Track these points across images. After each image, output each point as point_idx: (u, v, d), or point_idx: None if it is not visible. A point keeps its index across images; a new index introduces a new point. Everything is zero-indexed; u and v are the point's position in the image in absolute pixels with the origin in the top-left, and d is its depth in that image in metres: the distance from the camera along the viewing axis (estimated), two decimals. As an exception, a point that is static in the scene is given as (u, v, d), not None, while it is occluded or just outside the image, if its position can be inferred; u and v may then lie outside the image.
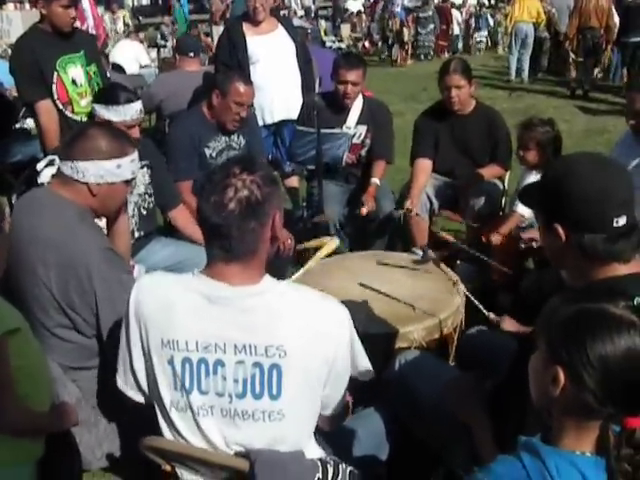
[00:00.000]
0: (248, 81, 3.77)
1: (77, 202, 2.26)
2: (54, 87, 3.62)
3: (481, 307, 2.59)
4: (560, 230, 1.60)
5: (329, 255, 2.99)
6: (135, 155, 2.35)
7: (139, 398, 1.79)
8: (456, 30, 18.81)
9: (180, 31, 15.23)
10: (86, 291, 2.18)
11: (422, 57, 17.62)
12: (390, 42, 17.54)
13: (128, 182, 2.37)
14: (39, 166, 2.97)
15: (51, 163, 2.91)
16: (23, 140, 5.87)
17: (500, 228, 3.62)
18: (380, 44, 19.08)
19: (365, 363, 1.83)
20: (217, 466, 1.63)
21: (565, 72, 11.61)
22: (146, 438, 1.70)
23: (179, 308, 1.64)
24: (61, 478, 1.98)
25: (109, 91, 3.23)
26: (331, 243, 2.91)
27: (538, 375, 1.25)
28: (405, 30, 17.07)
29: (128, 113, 3.12)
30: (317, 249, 3.32)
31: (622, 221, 1.56)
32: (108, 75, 4.10)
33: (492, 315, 2.43)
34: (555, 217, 1.62)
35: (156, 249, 3.34)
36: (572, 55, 10.94)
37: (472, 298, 2.76)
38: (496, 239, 3.58)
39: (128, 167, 2.30)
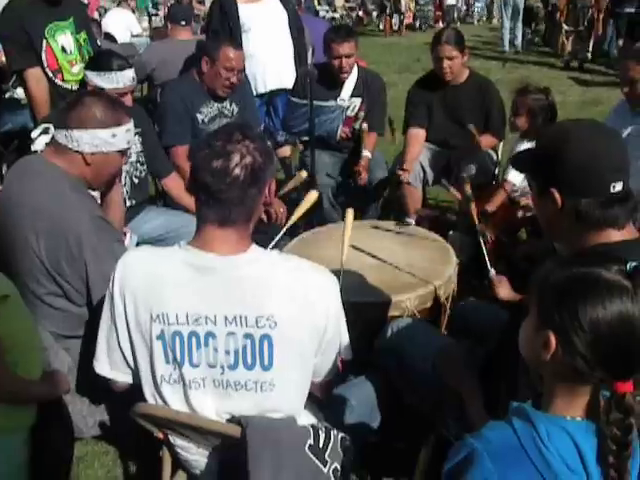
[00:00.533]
0: (237, 46, 3.73)
1: (70, 171, 2.24)
2: (43, 55, 3.56)
3: (487, 261, 2.55)
4: (557, 195, 1.59)
5: (312, 208, 2.95)
6: (130, 125, 2.33)
7: (124, 379, 1.77)
8: (451, 0, 18.64)
9: (172, -1, 14.98)
10: (76, 260, 2.17)
11: (422, 27, 17.49)
12: (388, 12, 17.36)
13: (123, 152, 2.35)
14: (34, 134, 2.94)
15: (45, 131, 2.88)
16: (13, 109, 5.78)
17: (493, 199, 3.61)
18: (375, 14, 18.89)
19: (345, 339, 1.81)
20: (208, 432, 1.63)
21: (560, 43, 11.53)
22: (137, 405, 1.69)
23: (168, 281, 1.62)
24: (53, 445, 1.98)
25: (101, 58, 3.18)
26: (310, 196, 2.85)
27: (529, 339, 1.24)
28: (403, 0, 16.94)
29: (120, 80, 3.07)
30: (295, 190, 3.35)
31: (619, 186, 1.56)
32: (99, 43, 4.01)
33: (493, 272, 2.41)
34: (551, 182, 1.60)
35: (148, 218, 3.32)
36: (565, 26, 10.86)
37: (484, 249, 2.70)
38: (489, 208, 3.58)
39: (123, 137, 2.28)
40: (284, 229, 2.85)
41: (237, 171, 1.54)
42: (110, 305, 1.70)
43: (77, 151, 2.22)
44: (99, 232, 2.19)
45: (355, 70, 4.13)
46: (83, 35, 3.75)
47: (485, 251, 2.59)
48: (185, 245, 1.65)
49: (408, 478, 2.09)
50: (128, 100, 3.10)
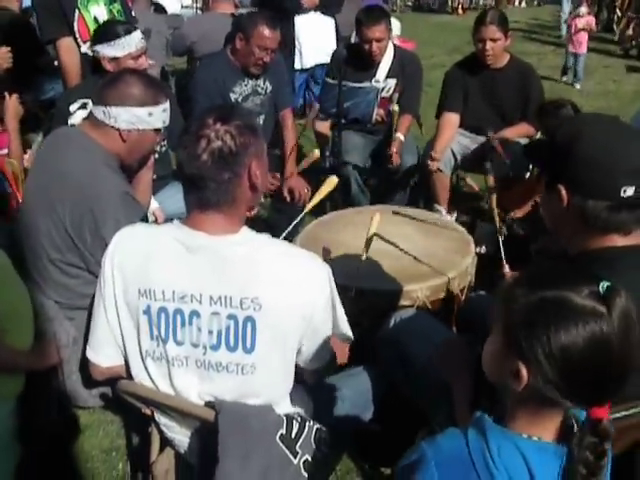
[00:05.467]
0: (273, 25, 3.66)
1: (105, 146, 2.28)
2: (76, 25, 3.55)
3: (503, 255, 2.50)
4: (563, 192, 1.52)
5: (331, 193, 2.92)
6: (167, 105, 2.36)
7: (113, 362, 1.77)
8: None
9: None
10: (100, 231, 2.19)
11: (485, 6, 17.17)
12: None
13: (158, 131, 2.38)
14: (72, 108, 2.96)
15: (84, 106, 2.91)
16: (56, 77, 5.86)
17: (524, 199, 3.50)
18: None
19: (344, 328, 1.80)
20: (185, 414, 1.63)
21: (620, 30, 11.15)
22: (120, 382, 1.70)
23: (157, 257, 1.63)
24: (40, 415, 2.01)
25: (106, 28, 3.15)
26: (329, 182, 2.81)
27: (496, 362, 1.18)
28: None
29: (132, 43, 3.05)
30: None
31: (630, 191, 1.47)
32: (133, 13, 4.00)
33: (507, 268, 2.35)
34: (560, 178, 1.53)
35: (171, 193, 3.32)
36: (619, 13, 10.54)
37: (501, 244, 2.66)
38: (516, 216, 3.50)
39: (159, 116, 2.32)
40: (302, 214, 2.83)
41: (205, 156, 1.54)
42: (101, 280, 1.72)
43: (114, 127, 2.25)
44: (125, 208, 2.20)
45: (391, 50, 4.05)
46: (117, 6, 3.73)
47: (502, 246, 2.53)
48: (179, 223, 1.66)
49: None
50: (143, 62, 3.09)
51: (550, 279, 1.13)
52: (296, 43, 5.81)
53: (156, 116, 2.30)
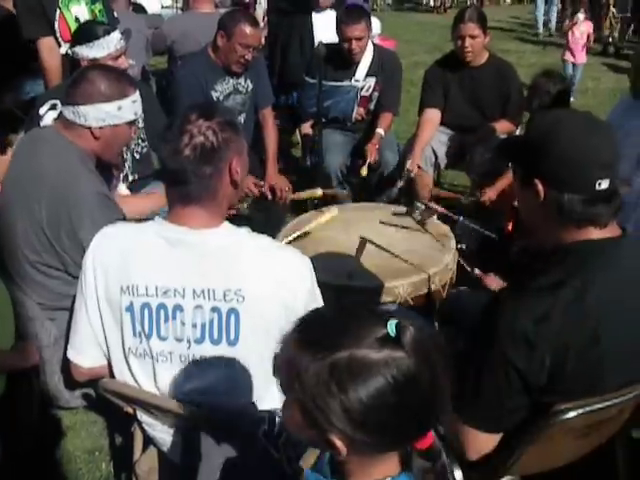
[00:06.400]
0: (254, 23, 3.67)
1: (80, 145, 2.27)
2: (57, 25, 3.55)
3: (464, 264, 2.56)
4: (540, 186, 1.54)
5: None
6: (136, 96, 2.34)
7: (95, 362, 1.77)
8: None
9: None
10: (76, 232, 2.18)
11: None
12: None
13: (132, 123, 2.36)
14: (42, 110, 2.95)
15: (53, 107, 2.90)
16: (36, 78, 5.82)
17: (497, 183, 3.54)
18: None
19: None
20: (168, 412, 1.63)
21: (600, 28, 11.22)
22: (102, 381, 1.71)
23: (139, 253, 1.64)
24: (21, 416, 2.01)
25: (85, 30, 3.15)
26: (331, 212, 2.98)
27: (302, 431, 1.05)
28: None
29: (111, 44, 3.05)
30: (309, 200, 3.27)
31: (605, 184, 1.50)
32: (115, 14, 3.99)
33: (477, 271, 2.38)
34: (535, 172, 1.55)
35: (154, 192, 3.31)
36: (613, 10, 10.51)
37: (460, 259, 2.72)
38: (489, 196, 3.51)
39: (130, 108, 2.30)
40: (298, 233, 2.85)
41: (187, 151, 1.57)
42: (82, 280, 1.72)
43: (84, 126, 2.24)
44: (101, 208, 2.19)
45: (370, 49, 4.07)
46: (98, 6, 3.72)
47: (461, 259, 2.60)
48: (159, 219, 1.68)
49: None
50: (122, 62, 3.08)
51: (335, 337, 1.01)
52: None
53: (126, 109, 2.28)
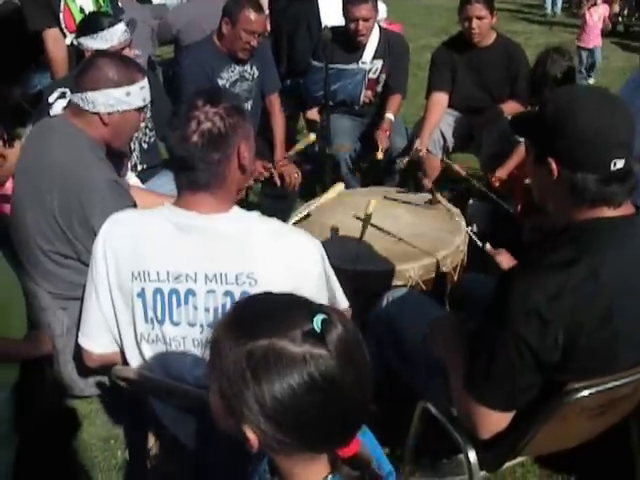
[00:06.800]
0: (259, 8, 3.64)
1: (90, 133, 2.27)
2: (62, 16, 3.55)
3: (476, 239, 2.54)
4: (553, 165, 1.52)
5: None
6: (144, 82, 2.33)
7: (105, 348, 1.77)
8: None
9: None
10: (88, 220, 2.18)
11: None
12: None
13: (141, 109, 2.36)
14: (51, 99, 2.95)
15: (62, 96, 2.90)
16: (44, 71, 5.82)
17: (506, 163, 3.52)
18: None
19: (342, 301, 1.82)
20: (180, 397, 1.64)
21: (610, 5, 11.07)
22: (114, 368, 1.71)
23: (150, 239, 1.65)
24: (35, 404, 2.02)
25: (90, 21, 3.16)
26: (335, 187, 2.97)
27: (223, 419, 1.02)
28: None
29: (115, 37, 3.06)
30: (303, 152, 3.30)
31: (620, 164, 1.47)
32: (120, 4, 3.98)
33: (488, 246, 2.36)
34: (550, 151, 1.53)
35: (160, 183, 3.31)
36: None
37: (469, 232, 2.71)
38: (499, 176, 3.49)
39: (138, 94, 2.29)
40: (304, 210, 2.84)
41: (195, 138, 1.58)
42: (92, 267, 1.72)
43: (93, 112, 2.24)
44: (113, 195, 2.19)
45: (377, 31, 4.03)
46: (103, -5, 3.73)
47: (472, 234, 2.58)
48: (169, 205, 1.68)
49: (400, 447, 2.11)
50: (127, 54, 3.06)
51: (260, 323, 0.98)
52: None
53: (134, 95, 2.27)
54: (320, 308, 0.99)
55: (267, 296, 1.06)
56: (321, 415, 0.95)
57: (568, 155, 1.50)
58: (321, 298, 1.73)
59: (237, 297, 1.59)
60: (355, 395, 0.97)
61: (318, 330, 0.94)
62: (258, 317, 1.00)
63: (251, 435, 0.96)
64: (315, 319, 0.95)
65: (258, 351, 0.94)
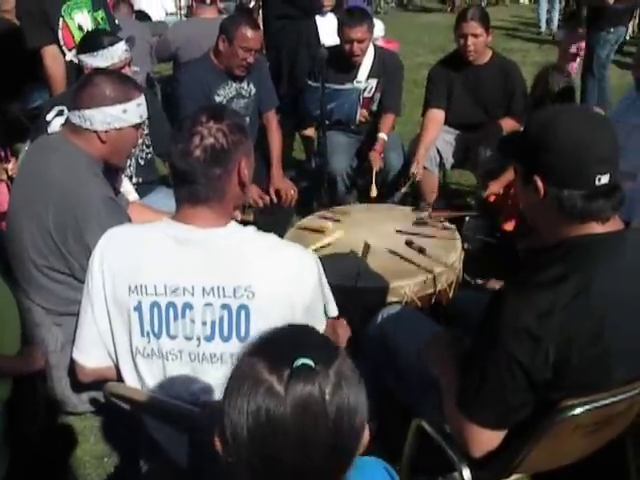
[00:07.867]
0: (255, 26, 3.68)
1: (87, 150, 2.28)
2: (60, 33, 3.57)
3: (467, 277, 2.57)
4: (539, 183, 1.53)
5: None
6: (141, 99, 2.35)
7: (99, 362, 1.77)
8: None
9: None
10: (83, 236, 2.19)
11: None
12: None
13: (138, 126, 2.38)
14: (49, 116, 2.97)
15: (60, 113, 2.92)
16: (43, 87, 5.85)
17: (499, 178, 3.54)
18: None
19: (333, 310, 1.84)
20: (173, 414, 1.63)
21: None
22: (107, 384, 1.71)
23: (147, 252, 1.66)
24: (27, 420, 2.01)
25: (91, 38, 3.19)
26: (335, 233, 2.96)
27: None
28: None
29: (115, 55, 3.08)
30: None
31: (605, 179, 1.48)
32: (117, 22, 4.01)
33: (479, 281, 2.40)
34: (535, 169, 1.55)
35: (157, 198, 3.32)
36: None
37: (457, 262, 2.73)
38: (493, 190, 3.51)
39: (135, 111, 2.31)
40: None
41: (197, 152, 1.60)
42: (88, 281, 1.73)
43: (90, 130, 2.25)
44: (108, 213, 2.20)
45: (371, 50, 4.06)
46: (100, 13, 3.75)
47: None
48: (167, 219, 1.70)
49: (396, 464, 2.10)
50: (127, 72, 3.08)
51: (262, 347, 1.02)
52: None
53: (131, 112, 2.29)
54: (315, 353, 0.98)
55: (289, 326, 1.09)
56: (257, 450, 0.95)
57: (552, 172, 1.52)
58: (317, 309, 1.75)
59: (234, 310, 1.60)
60: (297, 454, 0.95)
61: (292, 371, 0.95)
62: (267, 340, 1.04)
63: (218, 446, 1.01)
64: (297, 362, 0.95)
65: (242, 366, 1.00)
